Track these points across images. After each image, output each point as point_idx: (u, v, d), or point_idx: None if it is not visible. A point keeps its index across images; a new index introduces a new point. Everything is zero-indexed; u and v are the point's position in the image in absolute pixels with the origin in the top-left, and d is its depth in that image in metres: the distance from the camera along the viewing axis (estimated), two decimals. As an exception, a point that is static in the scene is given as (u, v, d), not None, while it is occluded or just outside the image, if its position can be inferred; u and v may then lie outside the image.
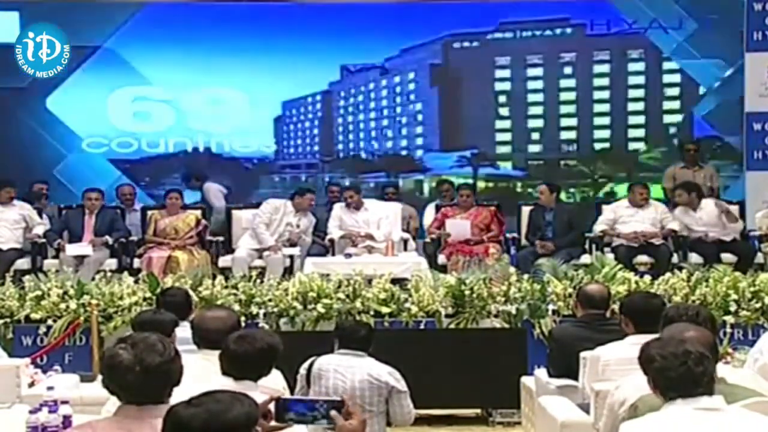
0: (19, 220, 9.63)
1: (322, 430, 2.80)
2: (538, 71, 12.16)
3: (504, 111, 12.21)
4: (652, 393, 3.38)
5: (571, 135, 12.23)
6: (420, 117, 12.35)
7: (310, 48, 11.72)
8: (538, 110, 12.20)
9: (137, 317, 5.31)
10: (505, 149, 12.24)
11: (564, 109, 12.16)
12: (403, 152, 12.35)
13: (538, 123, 12.19)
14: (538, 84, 12.17)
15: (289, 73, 11.92)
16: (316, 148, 12.40)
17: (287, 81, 12.02)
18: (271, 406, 2.79)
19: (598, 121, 12.20)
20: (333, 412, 2.74)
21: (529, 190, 11.86)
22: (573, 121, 12.21)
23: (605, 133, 12.21)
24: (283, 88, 12.10)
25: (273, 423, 2.79)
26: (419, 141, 12.38)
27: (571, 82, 12.15)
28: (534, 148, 12.24)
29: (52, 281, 7.74)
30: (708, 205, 9.78)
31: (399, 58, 12.20)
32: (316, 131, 12.38)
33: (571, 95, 12.17)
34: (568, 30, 12.08)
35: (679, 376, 3.21)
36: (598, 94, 12.18)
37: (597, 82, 12.15)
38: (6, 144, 11.71)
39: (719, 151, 11.81)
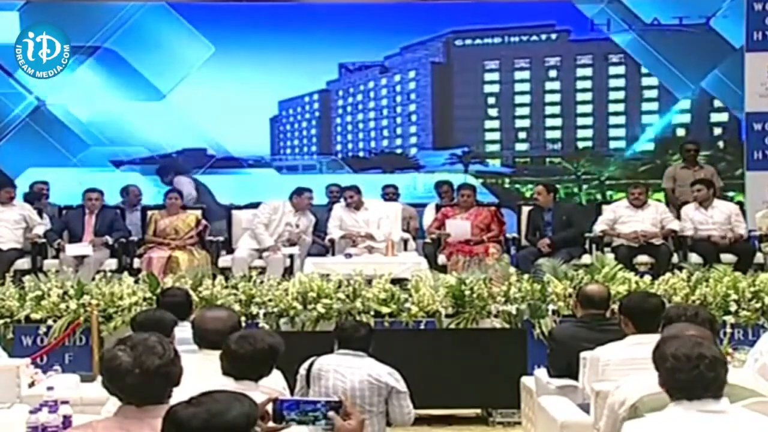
0: (19, 220, 9.61)
1: (321, 431, 2.79)
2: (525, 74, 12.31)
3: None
4: (653, 393, 3.37)
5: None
6: (413, 117, 12.41)
7: (308, 46, 11.73)
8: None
9: (136, 317, 5.30)
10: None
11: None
12: (398, 150, 12.42)
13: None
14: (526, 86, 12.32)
15: (287, 72, 11.94)
16: (313, 148, 12.41)
17: (284, 80, 12.04)
18: (269, 407, 2.78)
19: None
20: (331, 413, 2.74)
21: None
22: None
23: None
24: (280, 87, 12.12)
25: (271, 424, 2.79)
26: (413, 139, 12.45)
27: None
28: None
29: (52, 281, 7.73)
30: (720, 205, 9.76)
31: (399, 56, 12.21)
32: (313, 131, 12.39)
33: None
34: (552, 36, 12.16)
35: (689, 379, 3.16)
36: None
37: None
38: (6, 144, 11.72)
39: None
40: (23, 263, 9.35)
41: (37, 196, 10.46)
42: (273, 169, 12.25)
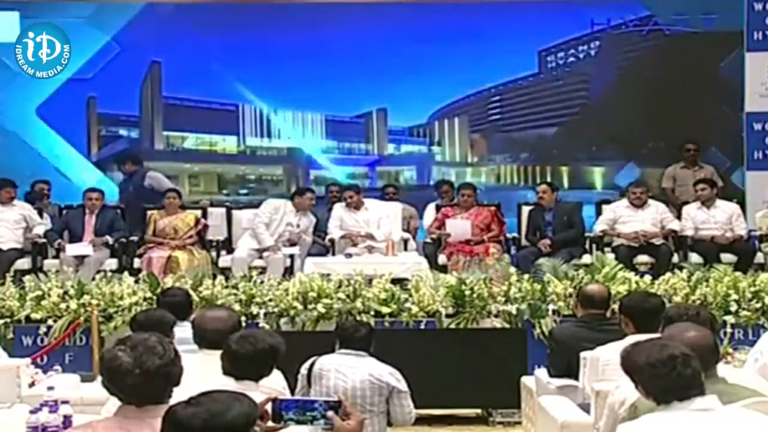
0: (19, 220, 9.61)
1: (320, 431, 2.79)
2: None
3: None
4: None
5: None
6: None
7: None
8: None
9: (136, 317, 5.30)
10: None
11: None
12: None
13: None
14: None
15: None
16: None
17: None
18: (269, 407, 2.78)
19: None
20: (330, 413, 2.74)
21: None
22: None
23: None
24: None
25: (270, 423, 2.78)
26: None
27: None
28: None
29: (52, 281, 7.73)
30: (722, 205, 9.76)
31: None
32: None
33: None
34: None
35: (671, 382, 3.19)
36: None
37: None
38: (6, 144, 11.72)
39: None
40: (23, 263, 9.35)
41: (37, 196, 10.46)
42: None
